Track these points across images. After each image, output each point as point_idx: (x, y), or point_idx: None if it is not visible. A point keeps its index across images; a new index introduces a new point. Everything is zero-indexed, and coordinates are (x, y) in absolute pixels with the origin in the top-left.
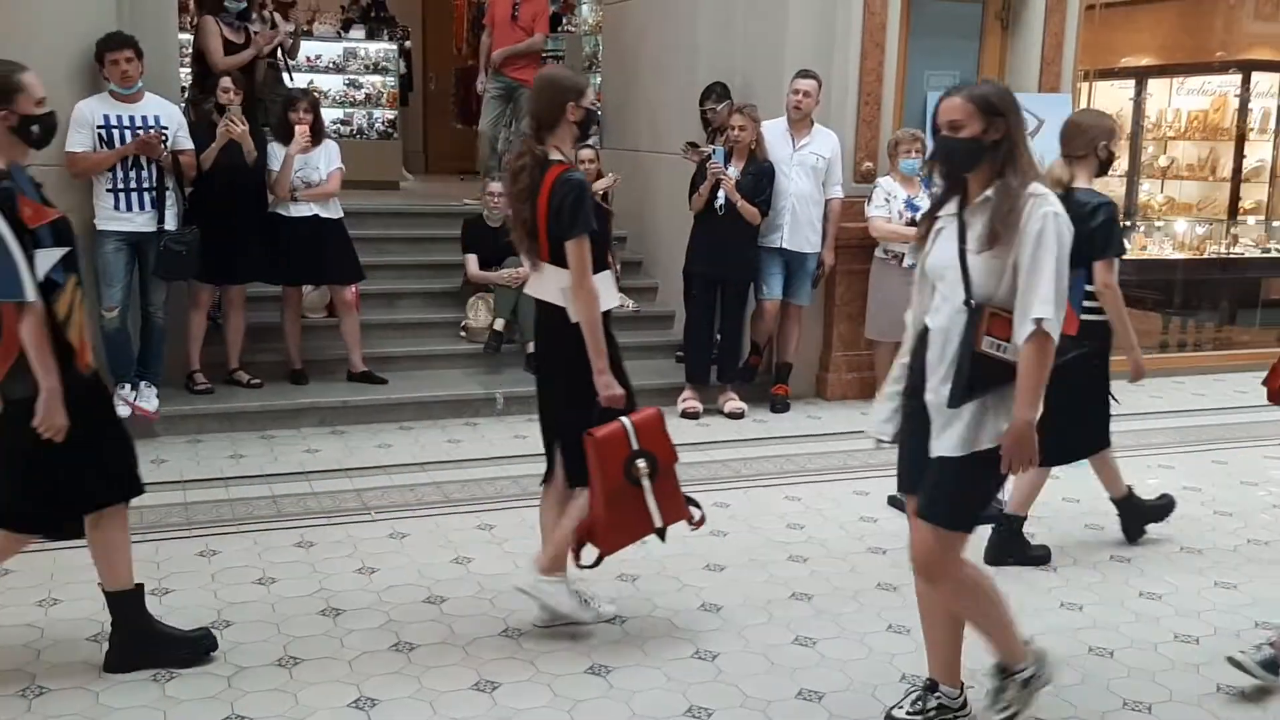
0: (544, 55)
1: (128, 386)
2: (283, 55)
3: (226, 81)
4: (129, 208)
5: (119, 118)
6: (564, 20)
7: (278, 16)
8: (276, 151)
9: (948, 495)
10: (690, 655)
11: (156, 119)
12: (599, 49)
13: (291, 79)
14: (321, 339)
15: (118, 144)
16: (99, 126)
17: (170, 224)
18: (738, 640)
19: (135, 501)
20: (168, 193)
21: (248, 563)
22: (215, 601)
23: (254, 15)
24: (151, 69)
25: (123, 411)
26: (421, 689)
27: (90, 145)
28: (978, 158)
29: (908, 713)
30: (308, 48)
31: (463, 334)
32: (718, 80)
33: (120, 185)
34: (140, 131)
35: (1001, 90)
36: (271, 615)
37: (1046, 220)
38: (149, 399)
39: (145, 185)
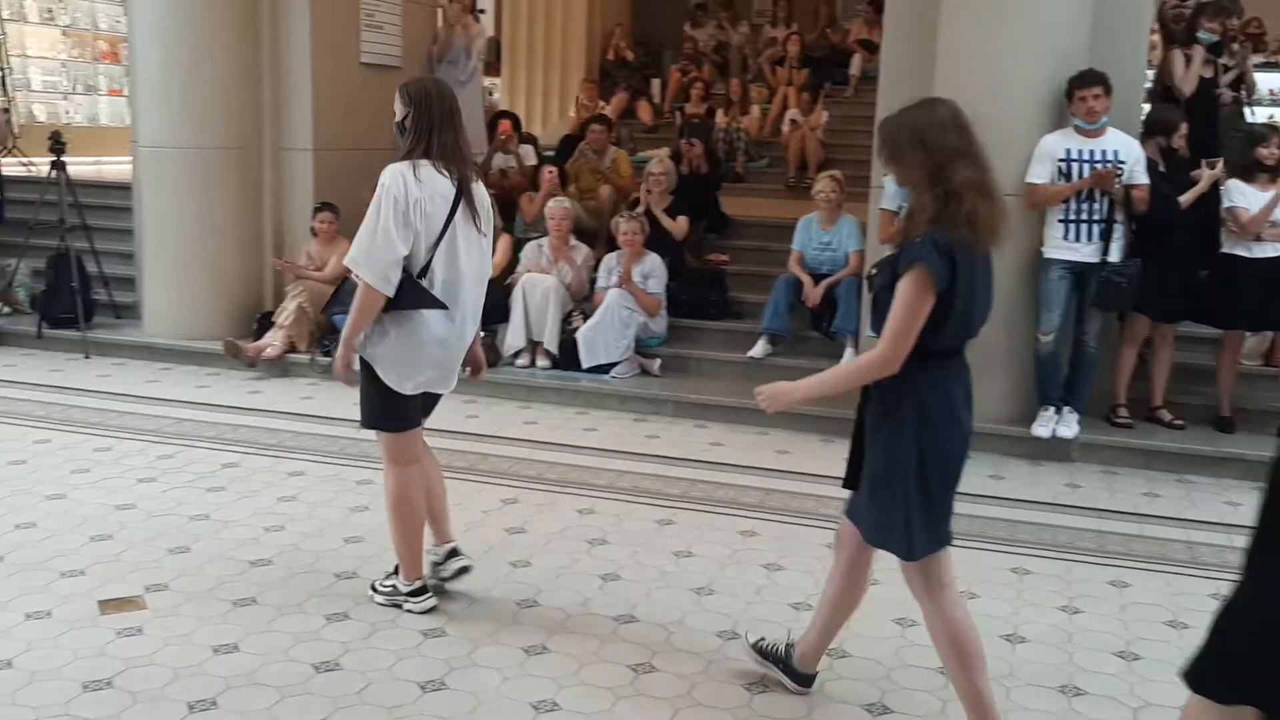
0: None
1: (1052, 410)
2: (1245, 89)
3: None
4: (1077, 238)
5: (1079, 151)
6: None
7: (1239, 48)
8: (1238, 188)
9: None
10: None
11: (1115, 153)
12: None
13: (1253, 113)
14: (1255, 387)
15: (1075, 177)
16: (1059, 160)
17: (1114, 256)
18: None
19: (1049, 519)
20: (1116, 225)
21: (1159, 602)
22: (1124, 633)
23: (1226, 49)
24: (1115, 103)
25: (1042, 432)
26: None
27: (1049, 177)
28: (403, 138)
29: None
30: (1269, 80)
31: None
32: None
33: (1072, 216)
34: (1098, 165)
35: (426, 88)
36: (1181, 660)
37: (380, 184)
38: (1070, 425)
39: (1095, 217)
